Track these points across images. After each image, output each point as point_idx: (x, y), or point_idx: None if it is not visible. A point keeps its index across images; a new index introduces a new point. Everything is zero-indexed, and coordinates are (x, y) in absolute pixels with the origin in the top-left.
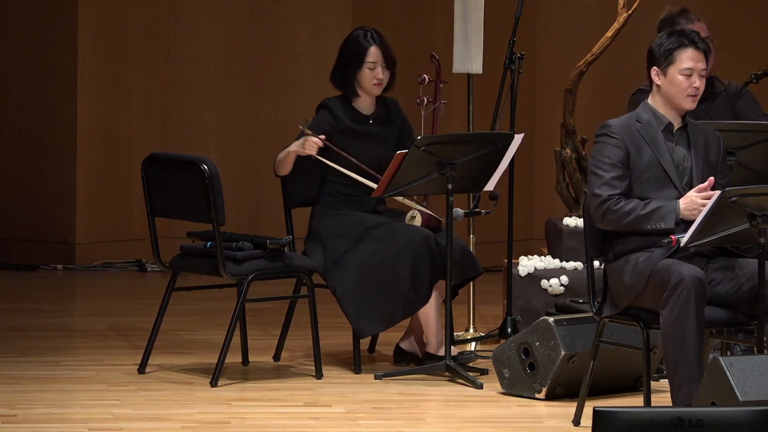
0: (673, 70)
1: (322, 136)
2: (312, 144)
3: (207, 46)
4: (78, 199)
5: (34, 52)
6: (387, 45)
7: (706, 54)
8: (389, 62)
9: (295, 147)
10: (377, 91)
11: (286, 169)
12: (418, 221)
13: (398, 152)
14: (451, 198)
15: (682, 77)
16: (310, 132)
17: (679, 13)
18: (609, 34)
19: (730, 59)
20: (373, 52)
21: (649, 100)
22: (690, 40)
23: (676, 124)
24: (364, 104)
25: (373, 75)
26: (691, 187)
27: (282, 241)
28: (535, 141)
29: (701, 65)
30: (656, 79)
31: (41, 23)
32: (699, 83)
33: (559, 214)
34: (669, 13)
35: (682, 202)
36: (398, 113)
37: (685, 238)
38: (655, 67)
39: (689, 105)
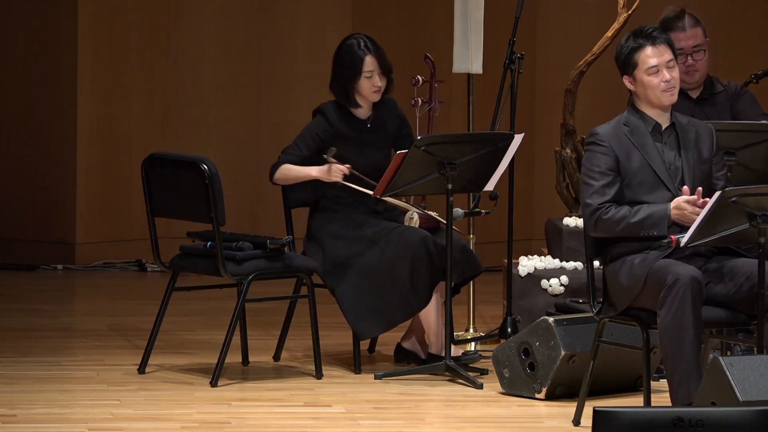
0: (639, 74)
1: (348, 165)
2: (338, 171)
3: (207, 46)
4: (78, 199)
5: (34, 52)
6: (381, 52)
7: (669, 43)
8: (385, 69)
9: (318, 173)
10: (376, 98)
11: (290, 182)
12: (416, 222)
13: (398, 152)
14: (451, 198)
15: (650, 76)
16: (334, 161)
17: (673, 18)
18: (609, 34)
19: (730, 59)
20: (369, 62)
21: (635, 103)
22: (646, 37)
23: (664, 123)
24: (361, 109)
25: (371, 83)
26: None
27: (282, 241)
28: (535, 141)
29: (666, 57)
30: (630, 86)
31: (41, 23)
32: (670, 75)
33: (559, 214)
34: (666, 15)
35: (673, 211)
36: (396, 112)
37: (685, 238)
38: (625, 76)
39: (668, 99)
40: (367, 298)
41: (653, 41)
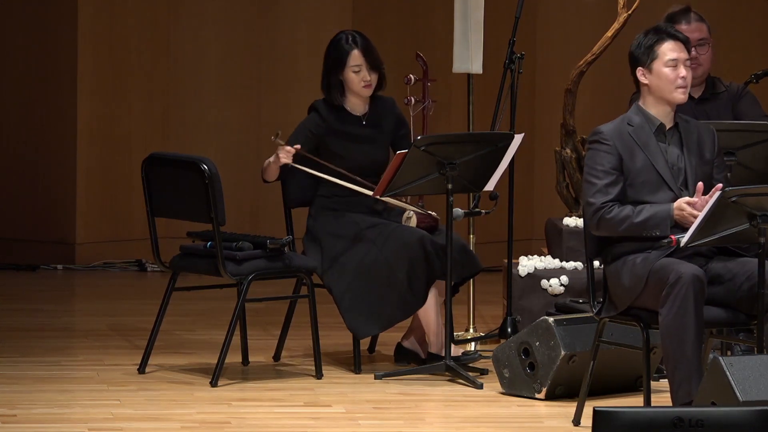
0: (658, 65)
1: (297, 146)
2: (285, 153)
3: (207, 46)
4: (78, 199)
5: (34, 52)
6: (369, 47)
7: (686, 44)
8: (374, 64)
9: (271, 158)
10: (367, 92)
11: (272, 177)
12: (413, 221)
13: (398, 152)
14: (451, 198)
15: (668, 69)
16: (281, 143)
17: (679, 12)
18: (609, 34)
19: (730, 59)
20: (355, 56)
21: (640, 102)
22: (667, 33)
23: (668, 123)
24: (356, 105)
25: (360, 78)
26: (687, 187)
27: (282, 241)
28: (535, 141)
29: (684, 55)
30: (643, 79)
31: (41, 23)
32: (686, 73)
33: (559, 214)
34: (671, 10)
35: (675, 212)
36: (393, 111)
37: (685, 238)
38: (639, 68)
39: (680, 97)
40: (364, 297)
41: (674, 37)
